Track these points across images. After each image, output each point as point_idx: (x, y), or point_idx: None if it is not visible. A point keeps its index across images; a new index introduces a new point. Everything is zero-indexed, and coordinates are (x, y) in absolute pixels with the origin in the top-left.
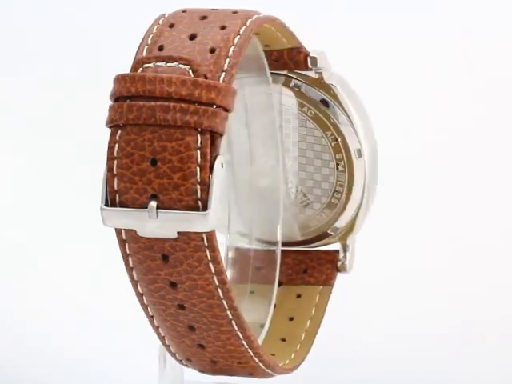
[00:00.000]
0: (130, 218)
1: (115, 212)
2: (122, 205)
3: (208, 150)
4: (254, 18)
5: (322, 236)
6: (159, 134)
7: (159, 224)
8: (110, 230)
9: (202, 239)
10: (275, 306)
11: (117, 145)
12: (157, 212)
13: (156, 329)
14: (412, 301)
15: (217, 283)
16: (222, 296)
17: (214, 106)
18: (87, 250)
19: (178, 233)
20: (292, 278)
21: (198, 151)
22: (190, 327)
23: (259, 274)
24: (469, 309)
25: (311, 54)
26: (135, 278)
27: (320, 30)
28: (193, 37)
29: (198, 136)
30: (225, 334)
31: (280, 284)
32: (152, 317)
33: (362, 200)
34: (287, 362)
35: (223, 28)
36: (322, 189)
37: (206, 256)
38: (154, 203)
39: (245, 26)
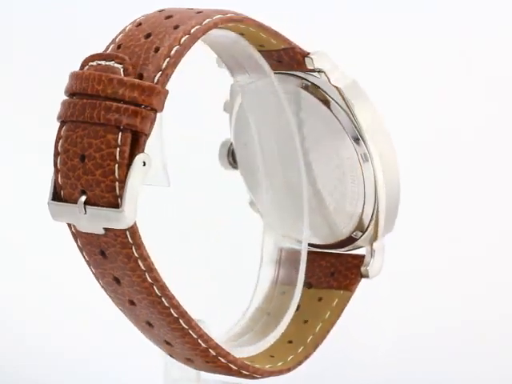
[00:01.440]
0: (68, 213)
1: (57, 207)
2: (64, 200)
3: (127, 149)
4: (214, 17)
5: (349, 240)
6: (88, 132)
7: (87, 220)
8: None
9: (126, 236)
10: (298, 307)
11: (60, 140)
12: (85, 208)
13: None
14: (411, 301)
15: (150, 280)
16: (159, 294)
17: (142, 106)
18: None
19: (105, 229)
20: (320, 281)
21: (118, 149)
22: (148, 323)
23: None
24: (469, 309)
25: (308, 55)
26: (93, 271)
27: (322, 30)
28: (148, 36)
29: (120, 134)
30: (178, 331)
31: (310, 286)
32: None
33: (377, 205)
34: (280, 363)
35: (176, 27)
36: (344, 192)
37: (133, 253)
38: (82, 198)
39: (198, 26)
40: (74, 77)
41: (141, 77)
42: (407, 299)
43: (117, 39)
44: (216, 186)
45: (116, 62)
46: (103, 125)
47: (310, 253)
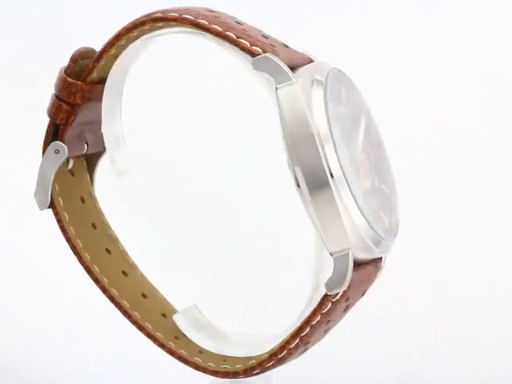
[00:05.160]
0: None
1: None
2: None
3: (47, 138)
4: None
5: None
6: None
7: None
8: (112, 230)
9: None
10: None
11: None
12: None
13: None
14: (411, 301)
15: None
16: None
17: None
18: None
19: None
20: None
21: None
22: None
23: None
24: (469, 309)
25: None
26: None
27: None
28: None
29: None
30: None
31: None
32: None
33: None
34: (238, 366)
35: None
36: None
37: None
38: None
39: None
40: None
41: None
42: (407, 299)
43: None
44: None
45: None
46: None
47: None
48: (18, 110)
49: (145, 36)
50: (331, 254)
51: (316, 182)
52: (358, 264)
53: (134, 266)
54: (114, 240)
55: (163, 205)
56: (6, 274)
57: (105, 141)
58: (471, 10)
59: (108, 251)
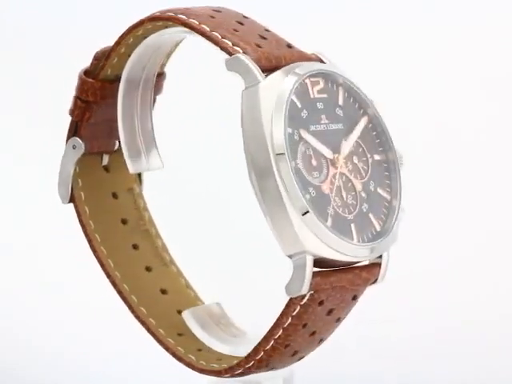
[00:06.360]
0: None
1: None
2: None
3: (69, 134)
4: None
5: None
6: None
7: None
8: (155, 226)
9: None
10: None
11: None
12: None
13: None
14: (411, 301)
15: None
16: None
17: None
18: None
19: None
20: None
21: None
22: None
23: None
24: (469, 309)
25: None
26: None
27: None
28: None
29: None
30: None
31: None
32: None
33: None
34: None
35: None
36: None
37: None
38: None
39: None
40: None
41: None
42: (407, 299)
43: None
44: None
45: None
46: None
47: None
48: (18, 110)
49: (153, 35)
50: (289, 257)
51: (266, 186)
52: (340, 267)
53: (165, 263)
54: (149, 236)
55: (162, 205)
56: (6, 274)
57: (120, 136)
58: (471, 10)
59: (135, 247)
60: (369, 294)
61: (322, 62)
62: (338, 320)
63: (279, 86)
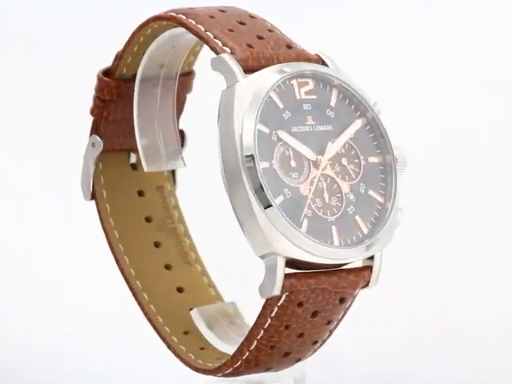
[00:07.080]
0: None
1: None
2: None
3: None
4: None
5: None
6: None
7: None
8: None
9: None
10: None
11: None
12: None
13: None
14: (411, 301)
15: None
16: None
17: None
18: (89, 249)
19: None
20: None
21: None
22: None
23: None
24: (469, 309)
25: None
26: None
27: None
28: None
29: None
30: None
31: None
32: None
33: None
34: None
35: None
36: None
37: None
38: None
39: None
40: None
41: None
42: (407, 299)
43: None
44: None
45: None
46: None
47: None
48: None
49: (165, 33)
50: (262, 258)
51: (235, 188)
52: (323, 270)
53: (189, 261)
54: (175, 234)
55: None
56: (6, 274)
57: (135, 134)
58: (472, 10)
59: (157, 244)
60: (369, 294)
61: (323, 62)
62: (330, 323)
63: (258, 85)
